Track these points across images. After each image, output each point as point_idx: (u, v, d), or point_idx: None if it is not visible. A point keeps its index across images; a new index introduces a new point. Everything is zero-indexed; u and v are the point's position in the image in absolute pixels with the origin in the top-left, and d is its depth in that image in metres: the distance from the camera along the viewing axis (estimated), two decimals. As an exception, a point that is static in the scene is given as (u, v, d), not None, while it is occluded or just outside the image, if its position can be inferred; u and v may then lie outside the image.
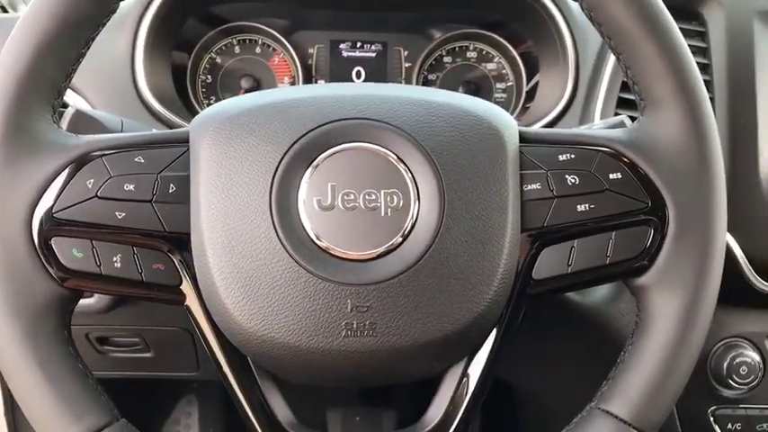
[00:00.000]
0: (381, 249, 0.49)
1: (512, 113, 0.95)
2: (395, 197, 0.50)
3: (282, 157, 0.50)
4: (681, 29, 0.82)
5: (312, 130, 0.51)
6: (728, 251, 0.77)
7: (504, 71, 0.97)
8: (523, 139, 0.54)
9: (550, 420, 0.79)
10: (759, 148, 0.77)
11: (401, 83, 0.97)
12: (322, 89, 0.54)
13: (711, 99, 0.79)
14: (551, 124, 0.84)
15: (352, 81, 0.97)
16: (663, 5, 0.53)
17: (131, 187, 0.50)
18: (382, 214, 0.50)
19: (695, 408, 0.82)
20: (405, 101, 0.53)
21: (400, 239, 0.50)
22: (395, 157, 0.51)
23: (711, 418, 0.82)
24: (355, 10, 0.96)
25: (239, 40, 0.96)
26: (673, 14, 0.82)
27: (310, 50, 0.97)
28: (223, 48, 0.96)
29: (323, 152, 0.50)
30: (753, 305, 0.81)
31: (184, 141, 0.53)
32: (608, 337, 0.79)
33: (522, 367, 0.95)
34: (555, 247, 0.53)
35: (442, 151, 0.51)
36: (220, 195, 0.50)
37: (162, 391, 1.35)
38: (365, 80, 0.97)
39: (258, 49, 0.97)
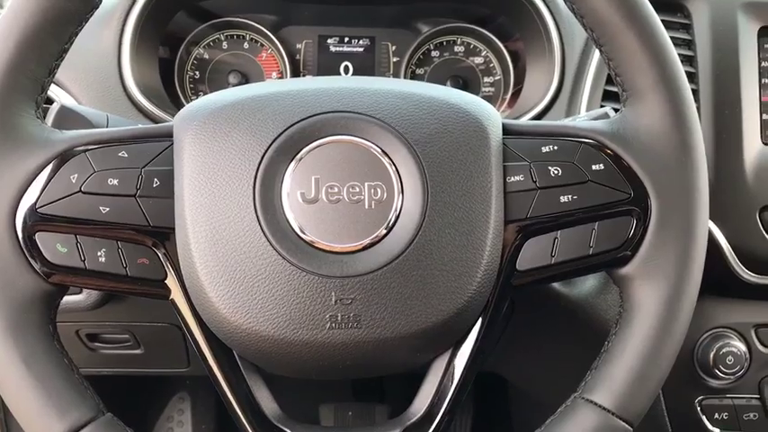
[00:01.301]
0: (365, 242, 0.50)
1: (499, 107, 0.96)
2: (378, 190, 0.50)
3: (266, 151, 0.50)
4: (666, 21, 0.83)
5: (295, 123, 0.51)
6: (714, 242, 0.77)
7: (491, 65, 0.97)
8: (507, 131, 0.55)
9: (542, 411, 0.79)
10: (743, 140, 0.77)
11: (389, 77, 0.97)
12: (306, 82, 0.54)
13: (696, 91, 0.79)
14: (538, 117, 0.84)
15: (340, 75, 0.97)
16: None
17: (115, 182, 0.50)
18: (366, 207, 0.50)
19: (682, 398, 0.83)
20: (388, 94, 0.53)
21: (384, 232, 0.50)
22: (378, 150, 0.51)
23: (698, 408, 0.82)
24: (343, 4, 0.96)
25: (227, 36, 0.96)
26: (657, 7, 0.82)
27: (298, 45, 0.97)
28: (211, 43, 0.96)
29: (306, 145, 0.51)
30: (739, 296, 0.82)
31: (168, 136, 0.53)
32: (596, 329, 0.79)
33: (512, 359, 0.96)
34: (538, 238, 0.53)
35: (426, 144, 0.51)
36: (204, 189, 0.50)
37: (155, 388, 1.35)
38: (353, 75, 0.97)
39: (246, 45, 0.96)
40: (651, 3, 0.80)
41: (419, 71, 0.97)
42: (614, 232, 0.53)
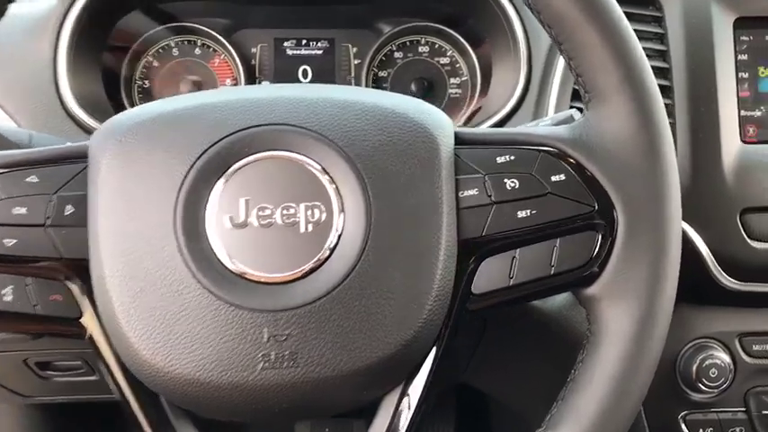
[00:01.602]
0: (301, 270, 0.45)
1: (466, 109, 0.91)
2: (316, 211, 0.45)
3: (189, 170, 0.45)
4: (636, 14, 0.78)
5: (222, 138, 0.46)
6: (693, 248, 0.73)
7: (457, 65, 0.92)
8: (459, 140, 0.50)
9: (523, 426, 0.75)
10: (722, 138, 0.73)
11: (350, 81, 0.92)
12: (236, 92, 0.49)
13: (670, 87, 0.75)
14: (505, 120, 0.80)
15: (298, 80, 0.92)
16: None
17: (22, 210, 0.45)
18: (302, 230, 0.45)
19: (665, 413, 0.78)
20: (327, 103, 0.48)
21: (322, 258, 0.45)
22: (316, 166, 0.46)
23: (682, 424, 0.78)
24: (300, 5, 0.91)
25: (177, 42, 0.91)
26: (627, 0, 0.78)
27: (253, 50, 0.92)
28: (160, 50, 0.90)
29: (234, 163, 0.46)
30: (721, 303, 0.77)
31: (84, 156, 0.48)
32: (570, 343, 0.74)
33: (488, 374, 0.91)
34: (495, 258, 0.48)
35: (369, 157, 0.46)
36: (120, 215, 0.45)
37: (119, 411, 1.29)
38: (312, 79, 0.93)
39: (198, 51, 0.91)
40: (621, -6, 0.76)
41: (382, 73, 0.93)
42: (578, 249, 0.48)
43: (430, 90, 0.92)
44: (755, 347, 0.76)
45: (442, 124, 0.50)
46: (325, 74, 0.92)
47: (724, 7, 0.75)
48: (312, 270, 0.45)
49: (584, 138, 0.49)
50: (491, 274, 0.48)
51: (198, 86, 0.90)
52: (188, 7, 0.90)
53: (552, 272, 0.48)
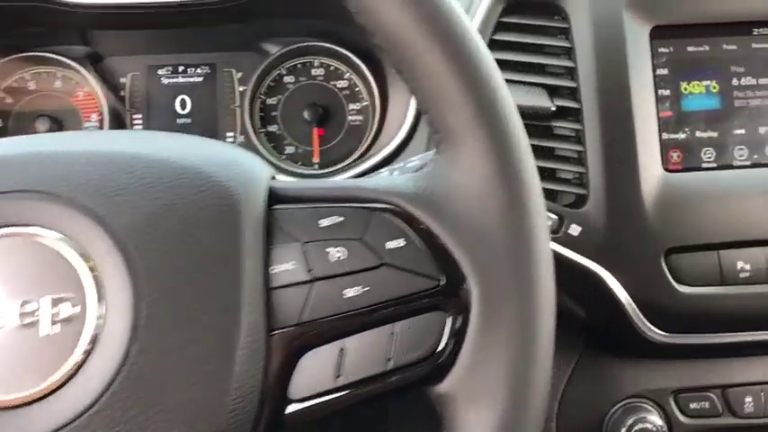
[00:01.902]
0: (40, 388, 0.34)
1: (367, 137, 0.81)
2: (65, 305, 0.34)
3: None
4: (540, 26, 0.68)
5: None
6: (612, 296, 0.63)
7: (357, 89, 0.82)
8: (274, 198, 0.39)
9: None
10: (640, 166, 0.63)
11: (235, 110, 0.82)
12: None
13: (579, 110, 0.65)
14: (400, 148, 0.70)
15: (175, 112, 0.82)
16: (452, 2, 0.39)
17: None
18: (43, 333, 0.34)
19: (590, 490, 0.67)
20: (88, 159, 0.37)
21: (72, 367, 0.34)
22: (66, 245, 0.35)
23: (612, 502, 0.67)
24: (172, 28, 0.80)
25: (33, 74, 0.80)
26: (531, 9, 0.68)
27: (122, 80, 0.81)
28: (13, 84, 0.79)
29: None
30: (652, 357, 0.67)
31: None
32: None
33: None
34: (318, 352, 0.37)
35: (139, 230, 0.35)
36: None
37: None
38: (191, 110, 0.82)
39: (58, 83, 0.80)
40: (524, 3, 0.66)
41: (271, 101, 0.82)
42: (422, 336, 0.38)
43: (326, 117, 0.81)
44: (692, 406, 0.65)
45: (251, 178, 0.39)
46: (205, 103, 0.82)
47: (638, 15, 0.65)
48: (58, 386, 0.34)
49: (429, 190, 0.39)
50: (312, 373, 0.37)
51: (58, 125, 0.79)
52: (44, 35, 0.79)
53: (390, 366, 0.37)
